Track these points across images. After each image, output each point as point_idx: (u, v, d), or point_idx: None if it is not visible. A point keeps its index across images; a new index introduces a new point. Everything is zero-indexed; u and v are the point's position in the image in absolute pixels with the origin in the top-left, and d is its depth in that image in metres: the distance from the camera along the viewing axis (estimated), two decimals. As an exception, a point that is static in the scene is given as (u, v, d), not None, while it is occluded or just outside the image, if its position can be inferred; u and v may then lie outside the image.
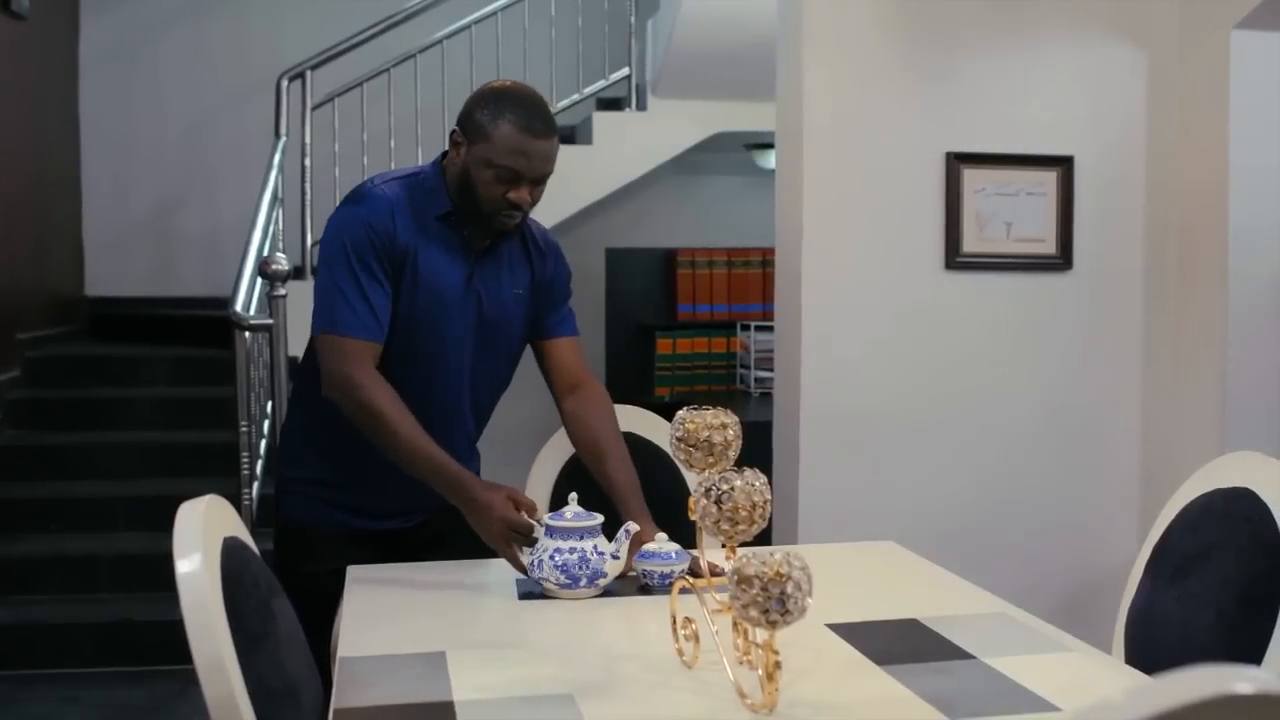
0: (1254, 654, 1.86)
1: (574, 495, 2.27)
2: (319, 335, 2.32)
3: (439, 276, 2.36)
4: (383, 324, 2.30)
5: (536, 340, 2.58)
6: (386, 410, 2.26)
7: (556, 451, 2.83)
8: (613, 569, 2.18)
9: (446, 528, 2.43)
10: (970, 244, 3.74)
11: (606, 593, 2.19)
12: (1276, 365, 3.83)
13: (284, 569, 2.30)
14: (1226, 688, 0.83)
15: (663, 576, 2.16)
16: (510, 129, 2.28)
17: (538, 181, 2.35)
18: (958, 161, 3.75)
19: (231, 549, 1.75)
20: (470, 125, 2.33)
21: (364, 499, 2.48)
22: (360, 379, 2.26)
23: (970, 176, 3.74)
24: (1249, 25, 3.64)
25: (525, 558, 2.22)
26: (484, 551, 2.41)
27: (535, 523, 2.21)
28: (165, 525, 1.65)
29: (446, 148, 2.42)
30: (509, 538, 2.20)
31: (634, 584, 2.23)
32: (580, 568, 2.15)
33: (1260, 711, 0.84)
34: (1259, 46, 3.69)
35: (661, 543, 2.22)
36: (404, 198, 2.36)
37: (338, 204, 2.46)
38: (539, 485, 2.82)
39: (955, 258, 3.75)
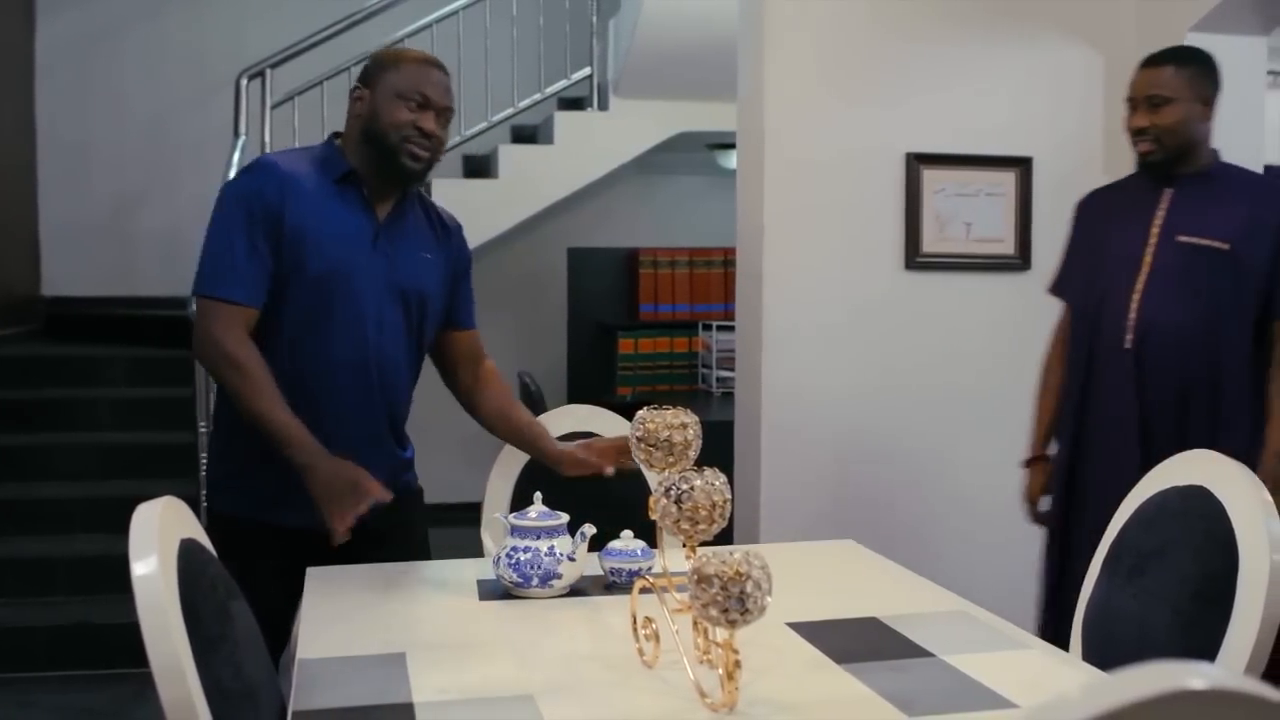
0: (1209, 650, 1.87)
1: (539, 495, 2.27)
2: (195, 298, 2.37)
3: (342, 237, 2.39)
4: (257, 289, 2.33)
5: (446, 330, 2.61)
6: (249, 374, 2.29)
7: (518, 451, 2.83)
8: (568, 570, 2.18)
9: (383, 528, 2.43)
10: (930, 244, 3.77)
11: (573, 592, 2.19)
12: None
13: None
14: (1180, 684, 0.84)
15: (629, 574, 2.17)
16: (413, 63, 2.45)
17: (442, 114, 2.44)
18: (917, 162, 3.77)
19: (189, 551, 1.73)
20: (371, 75, 2.46)
21: (289, 488, 2.44)
22: (224, 338, 2.30)
23: (930, 177, 3.77)
24: (1204, 28, 3.69)
25: (490, 549, 2.25)
26: (418, 554, 2.46)
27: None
28: (123, 527, 1.63)
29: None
30: (338, 502, 2.22)
31: (599, 583, 2.24)
32: (532, 567, 2.15)
33: (1213, 707, 0.85)
34: (1214, 49, 3.72)
35: (627, 540, 2.24)
36: (298, 166, 2.42)
37: None
38: (501, 484, 2.82)
39: (915, 257, 3.77)
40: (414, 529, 2.61)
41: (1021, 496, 3.15)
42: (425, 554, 2.58)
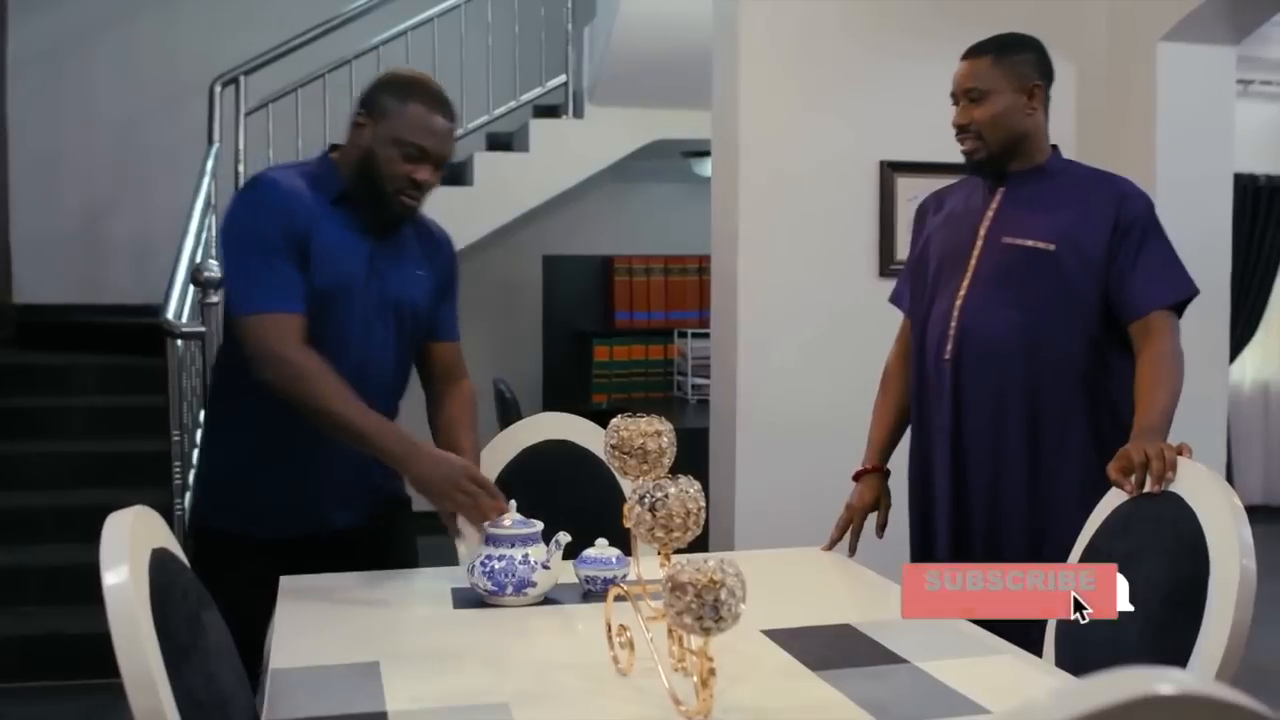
0: (1180, 655, 1.89)
1: (513, 502, 2.27)
2: (240, 319, 2.32)
3: (339, 258, 2.38)
4: (299, 295, 2.32)
5: (426, 340, 2.61)
6: (324, 379, 2.26)
7: (491, 456, 2.83)
8: (542, 578, 2.17)
9: (372, 535, 2.48)
10: (904, 251, 3.77)
11: (548, 600, 2.19)
12: (1201, 373, 3.90)
13: (205, 579, 2.32)
14: (1149, 689, 0.85)
15: (604, 582, 2.17)
16: (418, 109, 2.39)
17: (438, 163, 2.41)
18: (891, 170, 3.79)
19: (160, 561, 1.72)
20: (376, 106, 2.40)
21: (285, 500, 2.44)
22: (291, 354, 2.27)
23: (904, 185, 3.78)
24: (1175, 37, 3.72)
25: (465, 557, 2.25)
26: (406, 562, 2.49)
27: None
28: (95, 536, 1.62)
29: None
30: (458, 503, 2.21)
31: (574, 591, 2.23)
32: (506, 575, 2.15)
33: (1182, 712, 0.86)
34: (1185, 58, 3.76)
35: (602, 548, 2.24)
36: (298, 183, 2.39)
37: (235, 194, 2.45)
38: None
39: (889, 265, 3.79)
40: (402, 537, 2.62)
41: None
42: (413, 562, 2.58)
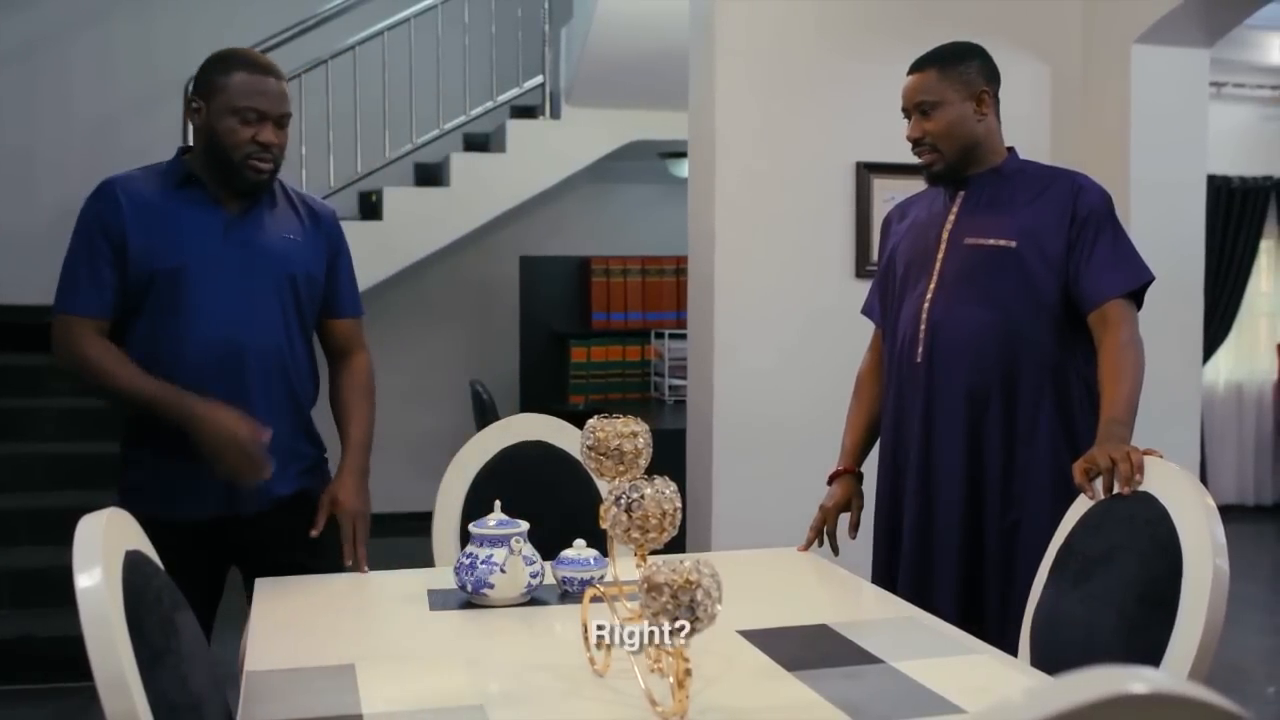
0: (1154, 653, 1.90)
1: (499, 503, 2.27)
2: (53, 317, 2.47)
3: (185, 235, 2.45)
4: (101, 301, 2.44)
5: (325, 318, 2.66)
6: (104, 361, 2.41)
7: (468, 457, 2.82)
8: (499, 581, 2.17)
9: (285, 519, 2.51)
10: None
11: (527, 601, 2.19)
12: (1175, 374, 3.93)
13: None
14: (1122, 688, 0.85)
15: (581, 583, 2.17)
16: (243, 74, 2.47)
17: (279, 122, 2.48)
18: (867, 171, 3.80)
19: (134, 563, 1.71)
20: (204, 86, 2.50)
21: (193, 478, 2.44)
22: (73, 344, 2.44)
23: (880, 186, 3.79)
24: (1149, 40, 3.74)
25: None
26: (324, 555, 2.48)
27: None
28: (69, 539, 1.61)
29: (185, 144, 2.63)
30: (237, 451, 2.32)
31: (553, 591, 2.24)
32: (466, 574, 2.17)
33: (1154, 711, 0.86)
34: (1159, 61, 3.79)
35: (579, 549, 2.24)
36: (138, 180, 2.53)
37: None
38: (452, 495, 2.80)
39: (865, 265, 3.80)
40: (322, 534, 2.54)
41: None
42: (333, 548, 2.52)
